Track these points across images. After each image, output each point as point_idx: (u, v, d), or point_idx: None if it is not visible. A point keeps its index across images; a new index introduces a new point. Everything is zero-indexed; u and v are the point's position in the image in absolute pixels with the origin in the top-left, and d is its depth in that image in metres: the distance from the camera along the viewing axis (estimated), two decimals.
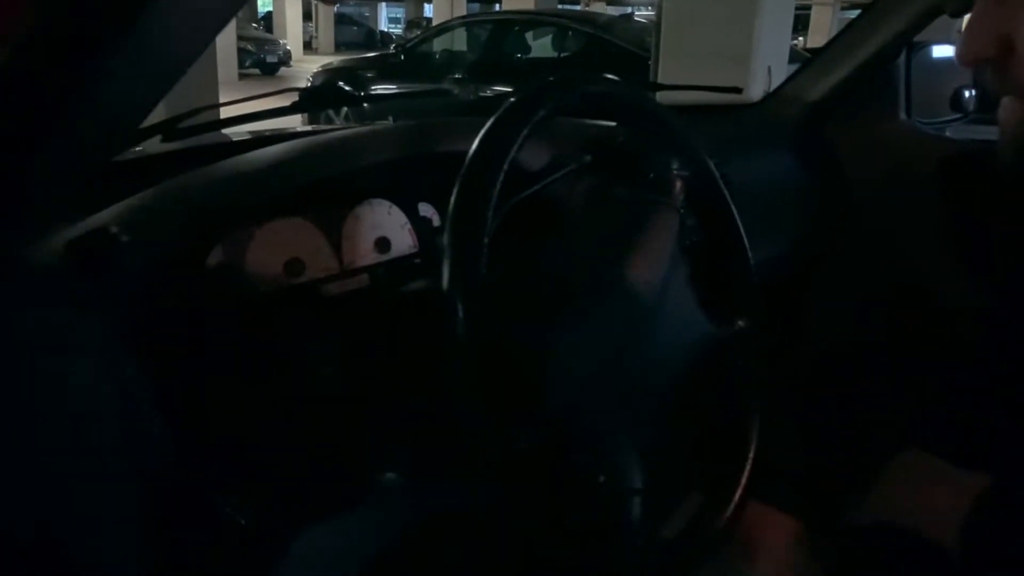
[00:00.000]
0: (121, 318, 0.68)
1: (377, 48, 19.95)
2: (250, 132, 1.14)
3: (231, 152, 0.92)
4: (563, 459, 0.70)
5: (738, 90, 1.61)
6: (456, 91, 6.26)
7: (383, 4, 34.13)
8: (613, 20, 7.07)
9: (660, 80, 3.81)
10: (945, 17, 1.45)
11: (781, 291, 1.23)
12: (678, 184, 0.90)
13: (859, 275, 1.68)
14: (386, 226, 0.94)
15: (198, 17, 0.53)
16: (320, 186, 0.89)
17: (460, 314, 0.63)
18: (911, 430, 1.05)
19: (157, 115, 0.69)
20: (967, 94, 1.71)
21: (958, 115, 1.71)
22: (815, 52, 1.73)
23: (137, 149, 1.00)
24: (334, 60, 8.60)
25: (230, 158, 0.90)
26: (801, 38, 16.93)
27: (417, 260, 0.95)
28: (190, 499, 0.72)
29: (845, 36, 1.59)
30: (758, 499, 0.91)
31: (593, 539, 0.73)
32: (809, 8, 18.43)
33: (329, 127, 1.16)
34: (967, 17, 0.66)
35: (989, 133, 1.67)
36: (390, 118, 1.22)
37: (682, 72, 3.74)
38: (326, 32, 24.29)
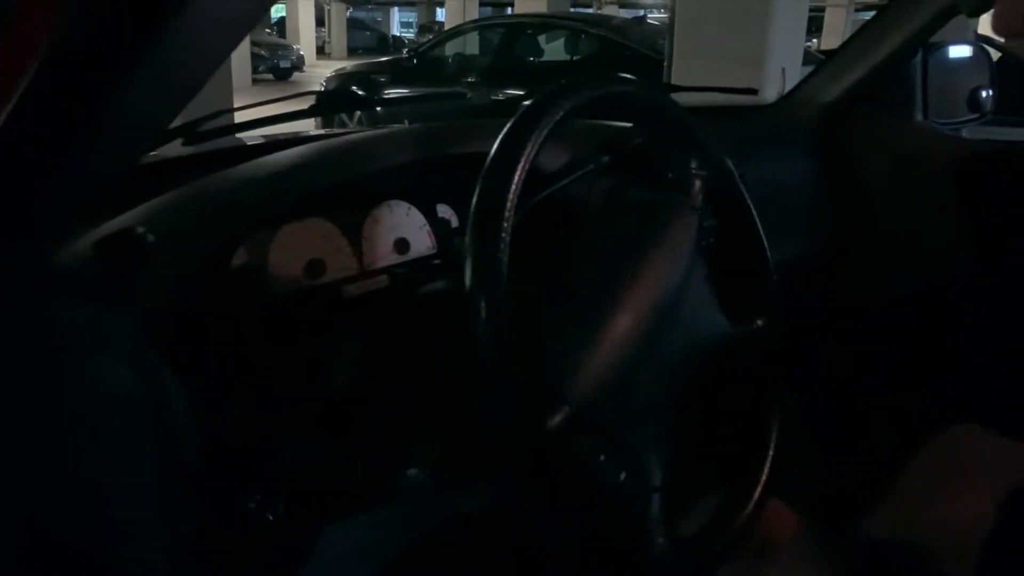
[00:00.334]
0: (149, 318, 0.69)
1: (389, 52, 19.98)
2: (264, 136, 1.15)
3: (250, 155, 0.93)
4: (584, 457, 0.70)
5: (753, 91, 1.61)
6: (470, 94, 6.28)
7: (395, 9, 34.24)
8: (626, 23, 7.06)
9: (674, 82, 3.81)
10: (962, 16, 1.45)
11: (798, 291, 1.23)
12: (696, 184, 0.90)
13: (875, 276, 1.68)
14: (405, 227, 0.95)
15: (223, 25, 0.54)
16: (340, 188, 0.89)
17: (483, 314, 0.63)
18: (930, 429, 1.05)
19: (176, 119, 0.70)
20: (984, 94, 1.70)
21: (975, 115, 1.70)
22: (829, 54, 1.73)
23: (156, 152, 1.01)
24: (347, 65, 8.62)
25: (251, 160, 0.91)
26: (815, 40, 16.87)
27: (436, 261, 0.96)
28: (217, 496, 0.73)
29: (860, 37, 1.59)
30: (777, 498, 0.91)
31: (614, 537, 0.74)
32: (823, 10, 18.36)
33: (344, 130, 1.17)
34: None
35: (1006, 134, 1.67)
36: (405, 121, 1.22)
37: (696, 74, 3.74)
38: (339, 37, 24.38)
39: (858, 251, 1.67)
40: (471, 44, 7.68)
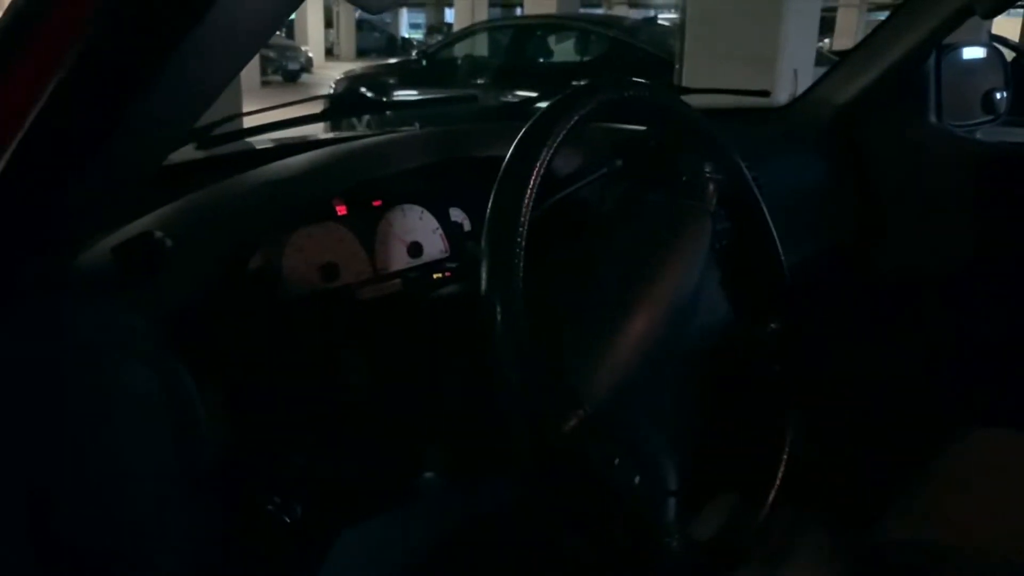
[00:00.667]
0: (167, 321, 0.69)
1: (398, 54, 20.04)
2: (277, 139, 1.16)
3: (263, 159, 0.93)
4: (598, 461, 0.70)
5: (766, 93, 1.61)
6: (480, 97, 6.28)
7: (404, 10, 34.29)
8: (637, 24, 7.04)
9: (685, 83, 3.81)
10: (976, 18, 1.44)
11: (811, 292, 1.23)
12: (710, 187, 0.90)
13: (889, 277, 1.67)
14: (418, 231, 0.95)
15: (243, 32, 0.54)
16: (354, 192, 0.90)
17: (499, 318, 0.63)
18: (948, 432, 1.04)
19: None
20: (999, 96, 1.69)
21: (990, 117, 1.69)
22: (842, 55, 1.72)
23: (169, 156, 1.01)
24: (356, 67, 8.62)
25: (265, 165, 0.91)
26: (827, 40, 16.81)
27: (449, 264, 0.96)
28: (236, 498, 0.73)
29: (874, 39, 1.58)
30: (792, 500, 0.91)
31: (628, 541, 0.73)
32: (835, 10, 18.29)
33: (354, 133, 1.18)
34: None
35: (1022, 135, 1.66)
36: (416, 124, 1.23)
37: (707, 76, 3.72)
38: (347, 38, 24.43)
39: (872, 253, 1.67)
40: (481, 45, 7.67)
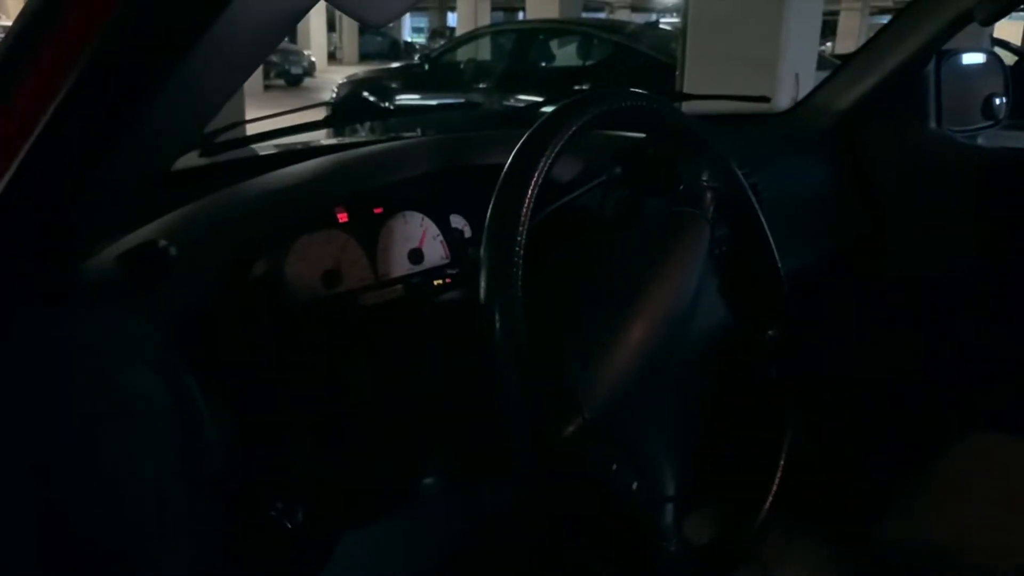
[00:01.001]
0: (172, 327, 0.70)
1: (401, 58, 20.03)
2: (280, 146, 1.17)
3: (266, 167, 0.94)
4: (597, 466, 0.71)
5: (766, 99, 1.61)
6: (482, 102, 6.27)
7: (407, 14, 34.31)
8: (639, 28, 7.04)
9: (687, 88, 3.81)
10: (975, 24, 1.45)
11: (812, 299, 1.23)
12: (708, 195, 0.91)
13: (890, 282, 1.67)
14: (419, 238, 0.95)
15: (251, 39, 0.55)
16: (355, 199, 0.91)
17: (498, 324, 0.64)
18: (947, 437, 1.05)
19: None
20: (998, 101, 1.69)
21: (989, 122, 1.70)
22: (844, 58, 1.72)
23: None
24: (359, 71, 8.63)
25: (268, 173, 0.92)
26: (829, 43, 16.80)
27: (450, 271, 0.97)
28: (239, 503, 0.74)
29: (874, 44, 1.59)
30: (791, 504, 0.92)
31: (627, 546, 0.74)
32: (837, 13, 18.28)
33: (357, 140, 1.18)
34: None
35: (1022, 140, 1.66)
36: (418, 130, 1.23)
37: (709, 80, 3.73)
38: (350, 43, 24.45)
39: (873, 257, 1.67)
40: (483, 50, 7.68)
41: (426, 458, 0.85)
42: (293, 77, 17.06)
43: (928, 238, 1.62)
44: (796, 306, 0.97)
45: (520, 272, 0.66)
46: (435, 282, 0.95)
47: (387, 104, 6.80)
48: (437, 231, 0.97)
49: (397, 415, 0.86)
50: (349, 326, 0.87)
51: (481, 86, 6.73)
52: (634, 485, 0.72)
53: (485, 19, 18.41)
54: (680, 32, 4.19)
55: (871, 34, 1.64)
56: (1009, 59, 1.87)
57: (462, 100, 6.23)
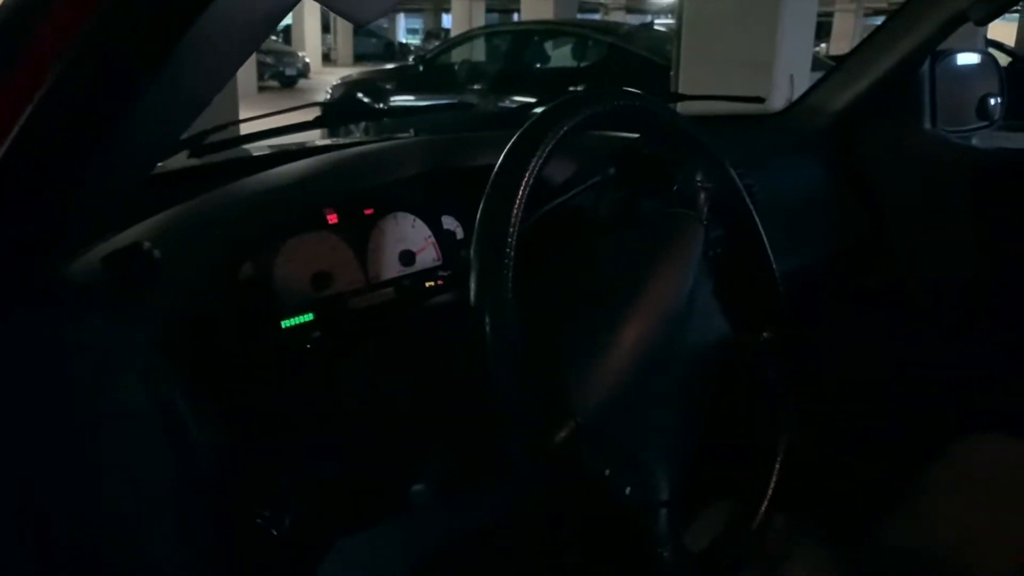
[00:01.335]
0: (158, 331, 0.69)
1: (396, 59, 20.02)
2: (272, 146, 1.16)
3: (256, 167, 0.93)
4: (590, 472, 0.70)
5: (761, 100, 1.61)
6: (477, 103, 6.27)
7: (401, 15, 34.33)
8: (634, 29, 7.04)
9: (682, 89, 3.81)
10: (970, 24, 1.44)
11: (808, 301, 1.23)
12: (702, 196, 0.90)
13: (886, 283, 1.67)
14: (410, 239, 0.94)
15: (236, 36, 0.54)
16: (345, 200, 0.89)
17: (488, 328, 0.63)
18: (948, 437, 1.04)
19: None
20: (993, 102, 1.69)
21: (984, 123, 1.70)
22: (838, 59, 1.72)
23: (161, 164, 1.01)
24: (353, 72, 8.62)
25: (256, 174, 0.91)
26: (824, 44, 16.84)
27: (442, 273, 0.96)
28: (225, 509, 0.72)
29: (868, 45, 1.58)
30: (788, 507, 0.91)
31: (621, 552, 0.73)
32: (831, 15, 18.32)
33: (350, 140, 1.17)
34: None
35: (1017, 140, 1.66)
36: (411, 131, 1.22)
37: (704, 81, 3.73)
38: (345, 44, 24.43)
39: (868, 257, 1.67)
40: (478, 51, 7.68)
41: (418, 464, 0.84)
42: (287, 79, 17.05)
43: (924, 238, 1.62)
44: (792, 307, 0.97)
45: (511, 274, 0.65)
46: (427, 284, 0.94)
47: (381, 105, 6.79)
48: (429, 232, 0.96)
49: (388, 419, 0.85)
50: (339, 329, 0.85)
51: (476, 87, 6.73)
52: (628, 490, 0.71)
53: (480, 20, 18.41)
54: (675, 33, 4.19)
55: (865, 36, 1.63)
56: (1003, 60, 1.87)
57: (456, 101, 6.23)
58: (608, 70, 6.26)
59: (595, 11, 23.51)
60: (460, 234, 0.98)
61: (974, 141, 1.65)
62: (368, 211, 0.91)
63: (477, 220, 0.67)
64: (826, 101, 1.62)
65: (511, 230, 0.66)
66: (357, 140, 1.14)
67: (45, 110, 0.47)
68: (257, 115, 1.12)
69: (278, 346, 0.81)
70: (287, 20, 23.99)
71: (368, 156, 1.00)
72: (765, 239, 0.95)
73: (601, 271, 0.83)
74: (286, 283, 0.83)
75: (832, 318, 1.64)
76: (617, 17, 21.05)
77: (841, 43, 16.78)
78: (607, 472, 0.70)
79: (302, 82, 17.46)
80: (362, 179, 0.93)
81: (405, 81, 7.35)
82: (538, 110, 0.75)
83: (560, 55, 7.17)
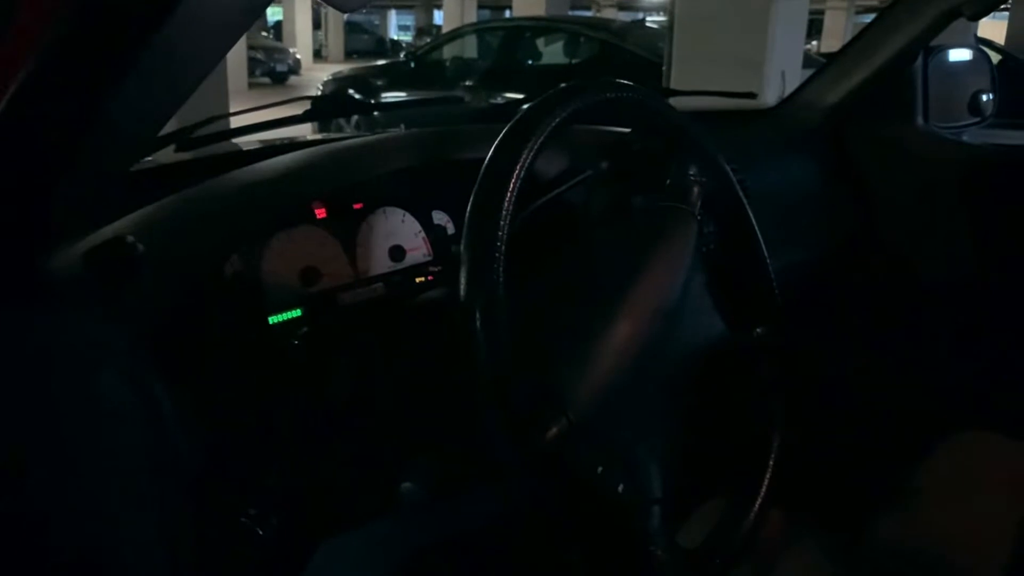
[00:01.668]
0: (141, 327, 0.68)
1: (387, 56, 19.99)
2: (261, 141, 1.14)
3: (244, 161, 0.92)
4: (582, 469, 0.69)
5: (752, 95, 1.60)
6: (467, 99, 6.27)
7: (392, 12, 34.26)
8: (626, 26, 7.05)
9: (674, 85, 3.81)
10: (962, 20, 1.44)
11: (801, 296, 1.23)
12: (695, 190, 0.89)
13: (879, 278, 1.67)
14: (400, 234, 0.93)
15: (215, 28, 0.53)
16: (334, 194, 0.88)
17: (478, 324, 0.62)
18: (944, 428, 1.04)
19: (169, 125, 0.69)
20: (985, 98, 1.69)
21: (976, 119, 1.70)
22: (830, 56, 1.72)
23: (149, 159, 1.00)
24: (344, 68, 8.60)
25: (244, 167, 0.90)
26: (815, 42, 16.88)
27: (432, 268, 0.95)
28: (210, 509, 0.71)
29: (861, 41, 1.58)
30: (782, 505, 0.90)
31: (613, 550, 0.72)
32: (822, 13, 18.37)
33: (340, 135, 1.16)
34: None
35: (1008, 137, 1.66)
36: (401, 126, 1.21)
37: (695, 78, 3.73)
38: (336, 40, 24.39)
39: (861, 253, 1.66)
40: (469, 48, 7.67)
41: (407, 462, 0.83)
42: (278, 75, 17.02)
43: (916, 233, 1.62)
44: (785, 303, 0.96)
45: (502, 268, 0.64)
46: (417, 280, 0.93)
47: (372, 101, 6.78)
48: (419, 227, 0.95)
49: (377, 418, 0.84)
50: (327, 325, 0.84)
51: (467, 84, 6.73)
52: (620, 488, 0.70)
53: (471, 17, 18.39)
54: (667, 30, 4.19)
55: (857, 33, 1.63)
56: (994, 58, 1.87)
57: (446, 95, 6.22)
58: (600, 67, 6.26)
59: (587, 8, 23.52)
60: (451, 229, 0.97)
61: (965, 137, 1.65)
62: (357, 205, 0.90)
63: (467, 213, 0.66)
64: (818, 97, 1.62)
65: (502, 223, 0.65)
66: (347, 135, 1.13)
67: (20, 104, 0.46)
68: (245, 109, 1.11)
69: (265, 342, 0.80)
70: (278, 16, 23.98)
71: (357, 149, 0.99)
72: (759, 234, 0.95)
73: (594, 266, 0.82)
74: (273, 278, 0.82)
75: (825, 314, 1.64)
76: (609, 14, 21.07)
77: (832, 40, 16.81)
78: (599, 470, 0.69)
79: (293, 78, 17.42)
80: (351, 173, 0.92)
81: (396, 77, 7.34)
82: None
83: (552, 52, 7.17)
